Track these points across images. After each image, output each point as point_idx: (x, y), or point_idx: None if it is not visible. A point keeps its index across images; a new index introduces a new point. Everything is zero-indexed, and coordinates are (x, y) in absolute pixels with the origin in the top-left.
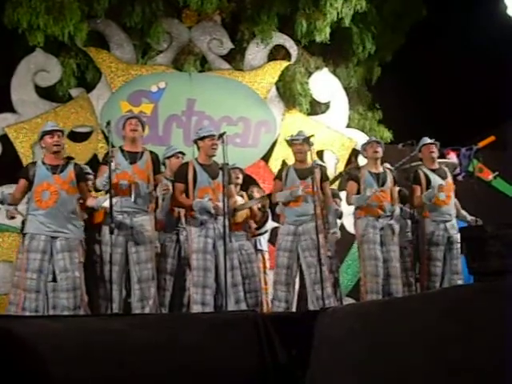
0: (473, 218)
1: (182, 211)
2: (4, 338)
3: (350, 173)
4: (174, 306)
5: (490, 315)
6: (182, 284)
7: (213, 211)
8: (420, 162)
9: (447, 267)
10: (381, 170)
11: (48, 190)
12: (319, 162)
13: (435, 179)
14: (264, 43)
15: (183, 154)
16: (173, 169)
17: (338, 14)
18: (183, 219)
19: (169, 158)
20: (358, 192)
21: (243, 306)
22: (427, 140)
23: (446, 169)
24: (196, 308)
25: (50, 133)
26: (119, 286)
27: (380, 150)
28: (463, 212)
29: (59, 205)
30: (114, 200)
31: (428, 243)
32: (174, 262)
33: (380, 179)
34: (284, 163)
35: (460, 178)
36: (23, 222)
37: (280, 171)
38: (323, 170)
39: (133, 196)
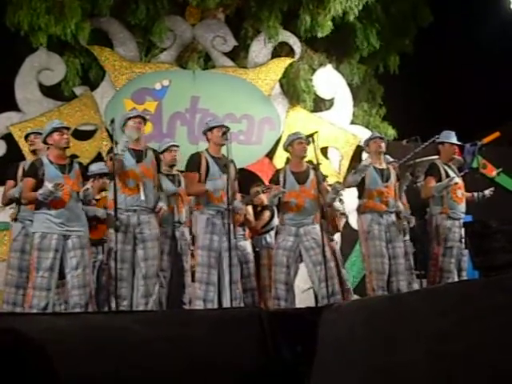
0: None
1: (180, 207)
2: (8, 334)
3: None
4: (172, 303)
5: (496, 311)
6: (181, 281)
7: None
8: (437, 157)
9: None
10: (384, 165)
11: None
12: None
13: (451, 175)
14: (269, 41)
15: (177, 146)
16: (167, 163)
17: (343, 8)
18: (179, 215)
19: (162, 152)
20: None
21: (241, 304)
22: (455, 139)
23: (454, 167)
24: (198, 303)
25: (60, 130)
26: (129, 283)
27: (383, 145)
28: None
29: (70, 204)
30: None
31: (445, 240)
32: (170, 259)
33: (384, 175)
34: (288, 160)
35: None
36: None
37: (274, 175)
38: (319, 171)
39: (142, 195)
